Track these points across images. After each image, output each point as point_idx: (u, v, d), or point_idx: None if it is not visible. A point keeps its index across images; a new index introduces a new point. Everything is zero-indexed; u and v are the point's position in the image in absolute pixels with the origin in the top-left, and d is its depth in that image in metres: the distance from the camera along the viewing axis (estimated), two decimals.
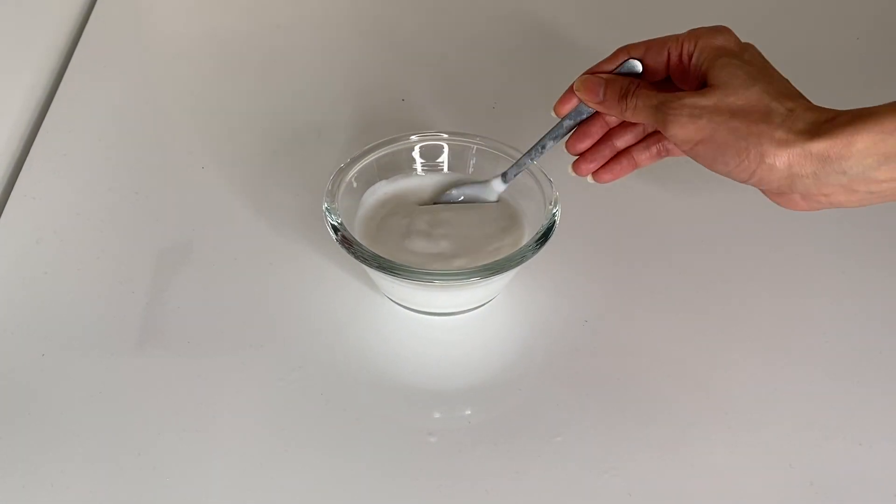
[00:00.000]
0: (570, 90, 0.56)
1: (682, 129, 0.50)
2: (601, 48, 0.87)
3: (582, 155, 0.58)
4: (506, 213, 0.62)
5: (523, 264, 0.57)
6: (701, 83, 0.52)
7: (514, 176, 0.61)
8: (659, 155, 0.57)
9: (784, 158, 0.47)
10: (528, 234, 0.60)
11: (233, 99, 0.80)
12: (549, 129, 0.58)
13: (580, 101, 0.56)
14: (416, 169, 0.64)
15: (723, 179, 0.70)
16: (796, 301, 0.63)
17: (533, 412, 0.56)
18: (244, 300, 0.62)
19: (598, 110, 0.55)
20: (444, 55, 0.86)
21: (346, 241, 0.57)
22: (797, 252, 0.66)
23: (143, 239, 0.66)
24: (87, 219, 0.68)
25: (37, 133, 0.75)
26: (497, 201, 0.62)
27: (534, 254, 0.57)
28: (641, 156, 0.57)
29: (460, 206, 0.62)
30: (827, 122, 0.46)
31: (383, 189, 0.63)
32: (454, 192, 0.63)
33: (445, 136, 0.64)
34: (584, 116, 0.57)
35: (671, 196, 0.70)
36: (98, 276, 0.63)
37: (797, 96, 0.49)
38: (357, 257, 0.56)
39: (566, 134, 0.58)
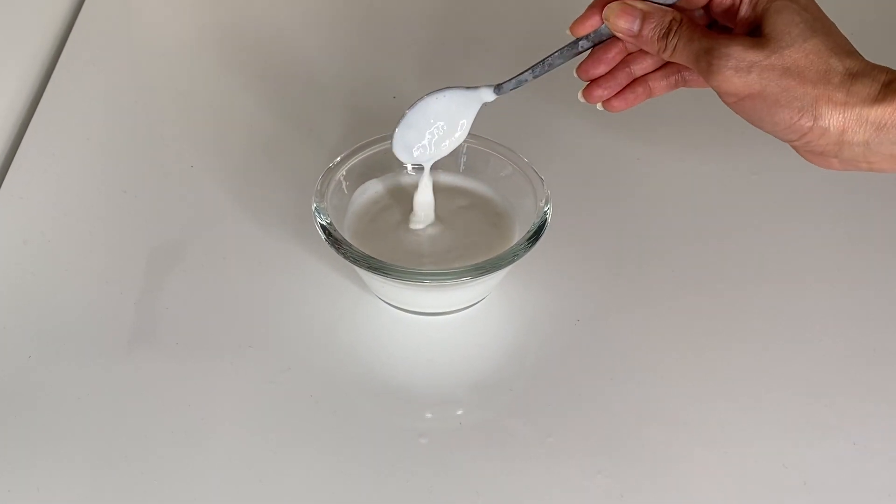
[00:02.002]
0: (595, 7, 0.51)
1: (728, 82, 0.46)
2: None
3: (595, 81, 0.53)
4: (497, 211, 0.62)
5: (515, 263, 0.56)
6: (751, 25, 0.48)
7: (510, 90, 0.55)
8: (676, 84, 0.53)
9: (839, 123, 0.44)
10: (520, 233, 0.59)
11: (222, 97, 0.80)
12: (560, 47, 0.52)
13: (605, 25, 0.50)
14: (406, 167, 0.64)
15: (718, 174, 0.70)
16: (791, 298, 0.62)
17: (525, 412, 0.56)
18: (233, 301, 0.62)
19: (629, 42, 0.51)
20: (437, 53, 0.85)
21: (336, 242, 0.56)
22: (792, 249, 0.65)
23: (131, 239, 0.66)
24: (75, 219, 0.67)
25: (24, 132, 0.75)
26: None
27: (525, 252, 0.56)
28: (658, 83, 0.53)
29: (452, 204, 0.62)
30: (885, 87, 0.44)
31: (373, 188, 0.63)
32: (435, 96, 0.57)
33: None
34: (604, 39, 0.51)
35: (665, 193, 0.70)
36: (86, 277, 0.63)
37: (854, 53, 0.46)
38: (346, 257, 0.56)
39: (578, 55, 0.52)
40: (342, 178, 0.61)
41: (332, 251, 0.57)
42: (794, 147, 0.48)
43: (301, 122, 0.76)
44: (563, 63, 0.53)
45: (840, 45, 0.46)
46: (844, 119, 0.44)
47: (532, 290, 0.62)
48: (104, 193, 0.69)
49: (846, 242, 0.66)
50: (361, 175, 0.63)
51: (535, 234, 0.57)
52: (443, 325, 0.60)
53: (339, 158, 0.62)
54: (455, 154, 0.64)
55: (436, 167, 0.60)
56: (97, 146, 0.74)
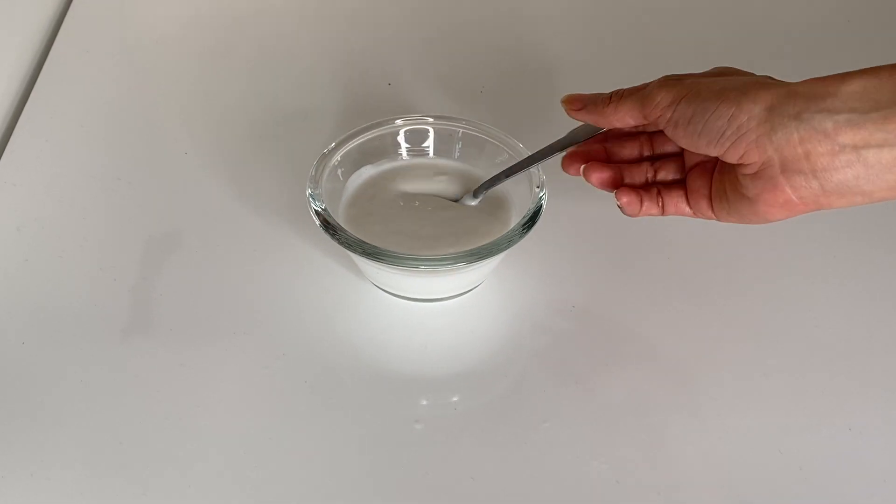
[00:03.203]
0: (577, 157, 0.56)
1: (665, 88, 0.49)
2: (589, 33, 0.87)
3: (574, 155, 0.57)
4: (492, 196, 0.61)
5: (510, 249, 0.56)
6: None
7: (485, 191, 0.60)
8: (658, 203, 0.55)
9: (766, 97, 0.45)
10: (515, 219, 0.59)
11: (217, 84, 0.79)
12: (531, 153, 0.58)
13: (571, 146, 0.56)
14: (401, 153, 0.64)
15: None
16: (786, 285, 0.62)
17: (520, 398, 0.55)
18: (228, 288, 0.61)
19: (581, 118, 0.54)
20: (432, 39, 0.85)
21: (330, 227, 0.56)
22: (788, 236, 0.65)
23: (125, 226, 0.65)
24: (69, 206, 0.67)
25: (18, 119, 0.74)
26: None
27: (521, 238, 0.56)
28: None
29: (447, 189, 0.62)
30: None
31: (368, 174, 0.63)
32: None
33: (431, 119, 0.64)
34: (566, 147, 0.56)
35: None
36: (80, 264, 0.63)
37: None
38: (341, 243, 0.55)
39: (538, 161, 0.57)
40: (337, 165, 0.61)
41: (326, 237, 0.56)
42: (731, 149, 0.47)
43: (295, 108, 0.76)
44: (527, 167, 0.58)
45: None
46: (771, 95, 0.45)
47: (527, 277, 0.62)
48: (98, 180, 0.69)
49: (844, 231, 0.66)
50: (356, 161, 0.62)
51: (531, 220, 0.56)
52: (438, 312, 0.60)
53: (333, 144, 0.61)
54: (451, 140, 0.64)
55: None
56: (91, 133, 0.74)
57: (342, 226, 0.57)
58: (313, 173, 0.59)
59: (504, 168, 0.61)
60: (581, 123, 0.56)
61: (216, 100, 0.77)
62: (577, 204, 0.67)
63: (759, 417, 0.54)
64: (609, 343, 0.58)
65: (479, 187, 0.60)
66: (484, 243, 0.55)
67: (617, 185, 0.56)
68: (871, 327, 0.59)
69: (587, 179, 0.56)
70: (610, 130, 0.58)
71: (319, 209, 0.57)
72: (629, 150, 0.57)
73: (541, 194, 0.58)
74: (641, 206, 0.55)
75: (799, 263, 0.64)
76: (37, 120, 0.74)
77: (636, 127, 0.57)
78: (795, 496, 0.51)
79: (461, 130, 0.63)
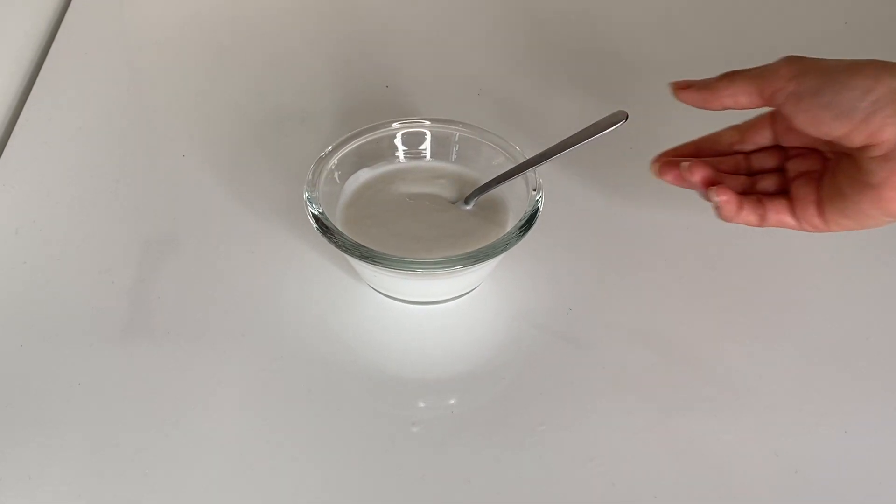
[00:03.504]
0: (673, 164, 0.55)
1: (790, 62, 0.47)
2: (587, 34, 0.87)
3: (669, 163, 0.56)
4: (489, 199, 0.61)
5: (507, 252, 0.56)
6: None
7: (475, 198, 0.60)
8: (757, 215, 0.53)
9: None
10: (512, 221, 0.59)
11: (215, 86, 0.79)
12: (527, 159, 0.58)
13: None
14: (398, 156, 0.64)
15: None
16: (783, 286, 0.62)
17: (516, 401, 0.56)
18: (225, 290, 0.61)
19: (687, 97, 0.52)
20: (429, 41, 0.85)
21: (327, 231, 0.56)
22: (786, 238, 0.65)
23: (123, 228, 0.66)
24: (67, 208, 0.67)
25: (16, 121, 0.74)
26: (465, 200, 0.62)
27: (517, 241, 0.56)
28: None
29: (443, 192, 0.62)
30: None
31: (365, 177, 0.63)
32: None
33: (428, 122, 0.64)
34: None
35: (658, 182, 0.69)
36: (78, 266, 0.63)
37: None
38: (338, 246, 0.56)
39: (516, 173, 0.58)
40: (334, 168, 0.61)
41: (324, 240, 0.56)
42: (862, 129, 0.45)
43: (293, 110, 0.76)
44: (520, 172, 0.58)
45: None
46: None
47: (524, 280, 0.62)
48: (96, 182, 0.69)
49: (842, 232, 0.66)
50: (353, 164, 0.62)
51: (527, 223, 0.57)
52: (435, 314, 0.60)
53: (330, 147, 0.61)
54: (447, 143, 0.64)
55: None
56: (89, 135, 0.74)
57: (339, 229, 0.57)
58: (310, 176, 0.59)
59: (500, 171, 0.61)
60: (577, 131, 0.55)
61: (214, 102, 0.78)
62: (574, 206, 0.67)
63: (755, 419, 0.55)
64: (605, 345, 0.58)
65: (471, 194, 0.60)
66: (481, 246, 0.56)
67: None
68: (867, 329, 0.60)
69: (690, 176, 0.54)
70: (704, 148, 0.56)
71: (316, 212, 0.57)
72: (726, 166, 0.55)
73: (537, 197, 0.58)
74: (741, 209, 0.53)
75: (796, 265, 0.64)
76: (35, 121, 0.75)
77: (731, 144, 0.55)
78: (791, 498, 0.51)
79: (458, 133, 0.63)
